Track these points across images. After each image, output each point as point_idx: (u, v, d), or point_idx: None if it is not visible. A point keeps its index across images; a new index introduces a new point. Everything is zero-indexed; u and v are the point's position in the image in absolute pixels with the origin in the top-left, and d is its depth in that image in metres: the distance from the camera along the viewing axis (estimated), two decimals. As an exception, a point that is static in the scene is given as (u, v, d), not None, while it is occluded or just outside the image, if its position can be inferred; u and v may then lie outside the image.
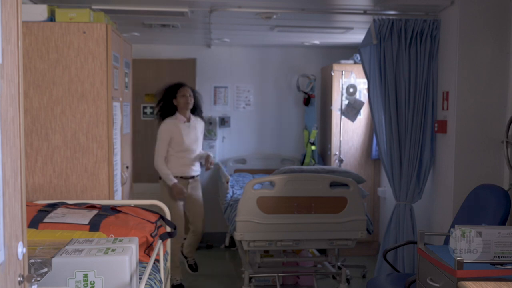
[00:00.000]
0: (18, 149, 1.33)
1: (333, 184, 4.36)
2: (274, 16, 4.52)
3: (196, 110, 4.99)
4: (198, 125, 4.96)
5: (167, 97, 4.89)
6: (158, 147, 4.78)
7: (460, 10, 3.85)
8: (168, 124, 4.79)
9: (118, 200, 3.57)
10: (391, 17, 4.21)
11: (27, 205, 2.54)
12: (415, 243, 3.48)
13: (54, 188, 3.39)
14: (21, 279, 1.34)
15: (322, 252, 5.41)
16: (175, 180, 4.72)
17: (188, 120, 4.87)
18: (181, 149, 4.79)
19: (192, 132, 4.86)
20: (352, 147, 5.96)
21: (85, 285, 2.06)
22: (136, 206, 3.25)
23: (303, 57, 6.62)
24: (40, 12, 3.37)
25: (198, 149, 4.94)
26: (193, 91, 4.95)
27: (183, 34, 5.58)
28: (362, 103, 5.71)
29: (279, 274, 4.51)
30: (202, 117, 5.09)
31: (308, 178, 4.35)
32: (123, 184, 3.83)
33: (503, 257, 2.53)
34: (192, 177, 4.91)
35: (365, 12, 4.38)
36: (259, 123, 6.68)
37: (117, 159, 3.66)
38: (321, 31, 5.37)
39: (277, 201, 4.23)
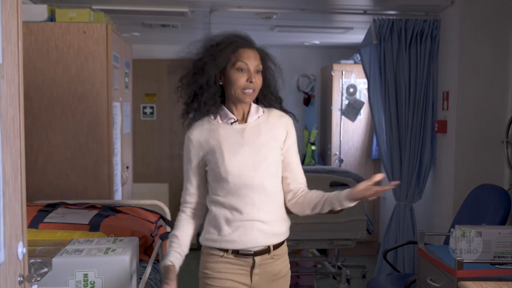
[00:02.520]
0: (18, 149, 1.33)
1: (333, 184, 4.35)
2: (274, 16, 4.51)
3: (265, 97, 2.22)
4: (268, 127, 2.19)
5: (205, 72, 2.13)
6: (184, 178, 2.24)
7: (460, 10, 3.84)
8: (197, 128, 2.18)
9: (118, 200, 3.56)
10: (391, 17, 4.21)
11: (27, 205, 2.54)
12: (415, 243, 3.48)
13: (54, 188, 3.39)
14: (21, 279, 1.34)
15: (322, 252, 5.41)
16: (170, 262, 2.11)
17: (244, 118, 2.19)
18: (227, 188, 2.10)
19: (251, 143, 2.14)
20: (352, 147, 5.96)
21: (85, 285, 2.06)
22: (136, 206, 3.25)
23: (303, 57, 6.61)
24: (40, 12, 3.37)
25: (276, 182, 2.18)
26: (266, 55, 2.19)
27: (183, 34, 5.57)
28: (362, 103, 5.71)
29: (279, 274, 4.49)
30: (283, 109, 2.26)
31: (308, 178, 4.32)
32: (123, 184, 3.83)
33: (503, 257, 2.53)
34: (266, 252, 2.15)
35: (365, 12, 4.38)
36: (259, 123, 6.66)
37: (117, 159, 3.66)
38: (321, 31, 5.37)
39: (277, 201, 4.22)
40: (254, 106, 2.18)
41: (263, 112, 2.20)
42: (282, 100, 2.29)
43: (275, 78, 2.26)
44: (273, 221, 2.15)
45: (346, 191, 2.08)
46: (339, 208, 2.14)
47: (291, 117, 2.25)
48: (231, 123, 2.17)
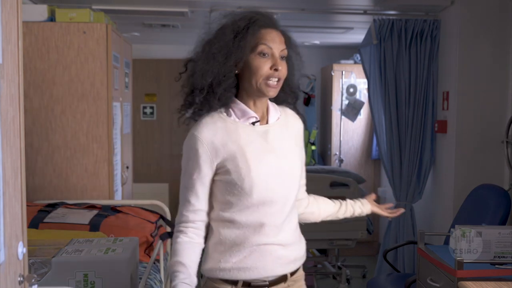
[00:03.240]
0: (18, 149, 1.33)
1: (333, 184, 4.35)
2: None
3: (284, 93, 1.85)
4: (289, 130, 1.86)
5: (220, 58, 1.71)
6: (182, 188, 1.78)
7: (460, 10, 3.84)
8: (208, 126, 1.73)
9: (118, 200, 3.56)
10: (391, 17, 4.21)
11: (27, 205, 2.54)
12: (415, 243, 3.48)
13: (54, 188, 3.39)
14: (21, 279, 1.34)
15: (322, 252, 5.41)
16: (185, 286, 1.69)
17: (265, 118, 1.82)
18: (246, 203, 1.71)
19: (277, 150, 1.78)
20: (352, 147, 5.96)
21: (85, 285, 2.06)
22: (136, 206, 3.25)
23: (303, 57, 6.55)
24: (40, 12, 3.37)
25: (295, 195, 1.83)
26: (289, 39, 1.85)
27: (183, 34, 5.57)
28: (362, 103, 5.71)
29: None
30: (296, 110, 1.94)
31: (308, 178, 4.32)
32: (123, 184, 3.83)
33: (503, 257, 2.52)
34: (282, 280, 1.81)
35: (365, 12, 4.38)
36: (259, 123, 6.66)
37: (117, 159, 3.66)
38: (321, 31, 5.37)
39: (277, 201, 4.22)
40: (270, 103, 1.81)
41: (282, 110, 1.86)
42: (299, 97, 1.93)
43: (298, 71, 1.89)
44: (292, 244, 1.80)
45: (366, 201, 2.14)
46: (356, 215, 2.08)
47: (301, 119, 1.92)
48: (253, 123, 1.75)
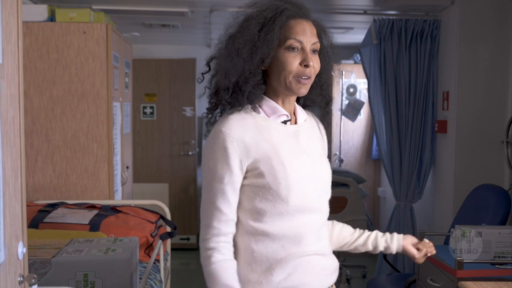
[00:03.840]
0: (18, 149, 1.33)
1: (333, 184, 4.35)
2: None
3: (313, 94, 1.68)
4: (315, 132, 1.73)
5: (245, 53, 1.53)
6: (210, 195, 1.53)
7: (460, 10, 3.84)
8: (237, 121, 1.54)
9: (118, 200, 3.57)
10: (391, 17, 4.22)
11: (27, 205, 2.54)
12: (415, 243, 3.47)
13: (54, 188, 3.39)
14: (21, 279, 1.34)
15: (322, 252, 5.41)
16: None
17: (293, 118, 1.65)
18: (282, 210, 1.52)
19: (309, 152, 1.63)
20: (352, 147, 5.96)
21: (85, 285, 2.06)
22: (136, 206, 3.25)
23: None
24: (40, 12, 3.37)
25: (327, 200, 1.70)
26: (323, 31, 1.63)
27: (183, 34, 5.57)
28: (362, 103, 5.71)
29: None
30: (322, 115, 1.80)
31: (308, 178, 4.35)
32: (123, 184, 3.83)
33: (503, 257, 2.52)
34: None
35: (365, 12, 4.38)
36: (259, 123, 6.67)
37: (117, 159, 3.66)
38: (321, 31, 5.37)
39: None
40: (296, 104, 1.66)
41: (308, 114, 1.70)
42: (331, 101, 1.72)
43: (331, 67, 1.66)
44: (330, 253, 1.66)
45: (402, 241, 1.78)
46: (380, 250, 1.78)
47: (317, 120, 1.76)
48: (284, 122, 1.59)
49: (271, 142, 1.52)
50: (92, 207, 2.99)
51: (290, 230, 1.51)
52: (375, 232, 1.80)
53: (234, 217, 1.52)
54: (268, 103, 1.57)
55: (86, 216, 2.79)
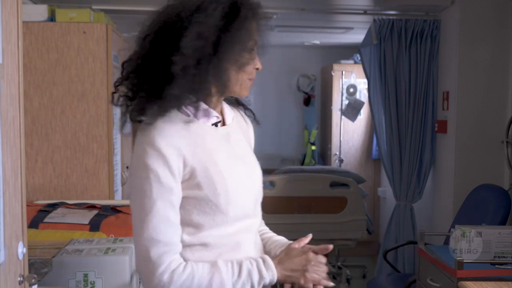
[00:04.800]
0: (18, 149, 1.33)
1: (333, 184, 4.36)
2: (274, 16, 4.51)
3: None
4: (242, 130, 1.58)
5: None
6: (143, 216, 1.34)
7: (460, 10, 3.84)
8: (169, 126, 1.36)
9: (118, 200, 3.56)
10: (391, 17, 4.22)
11: (27, 205, 2.54)
12: (415, 243, 3.48)
13: (54, 188, 3.39)
14: (21, 279, 1.34)
15: (322, 252, 5.40)
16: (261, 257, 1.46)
17: (221, 119, 1.49)
18: (218, 222, 1.41)
19: (241, 155, 1.51)
20: (352, 147, 5.96)
21: (85, 285, 2.06)
22: (136, 206, 3.25)
23: (303, 57, 6.61)
24: (40, 12, 3.37)
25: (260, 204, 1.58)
26: None
27: (183, 34, 5.57)
28: (362, 103, 5.71)
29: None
30: (247, 108, 1.63)
31: (308, 178, 4.36)
32: (123, 184, 3.83)
33: (503, 257, 2.52)
34: None
35: (365, 12, 4.38)
36: (259, 123, 6.67)
37: (117, 159, 3.66)
38: (321, 31, 5.37)
39: (277, 201, 4.23)
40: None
41: (233, 111, 1.55)
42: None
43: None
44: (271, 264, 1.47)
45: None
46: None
47: (252, 116, 1.61)
48: (215, 125, 1.44)
49: (206, 149, 1.38)
50: (92, 207, 2.99)
51: (229, 239, 1.42)
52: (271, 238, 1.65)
53: (179, 230, 1.38)
54: (197, 104, 1.40)
55: (86, 216, 2.79)
